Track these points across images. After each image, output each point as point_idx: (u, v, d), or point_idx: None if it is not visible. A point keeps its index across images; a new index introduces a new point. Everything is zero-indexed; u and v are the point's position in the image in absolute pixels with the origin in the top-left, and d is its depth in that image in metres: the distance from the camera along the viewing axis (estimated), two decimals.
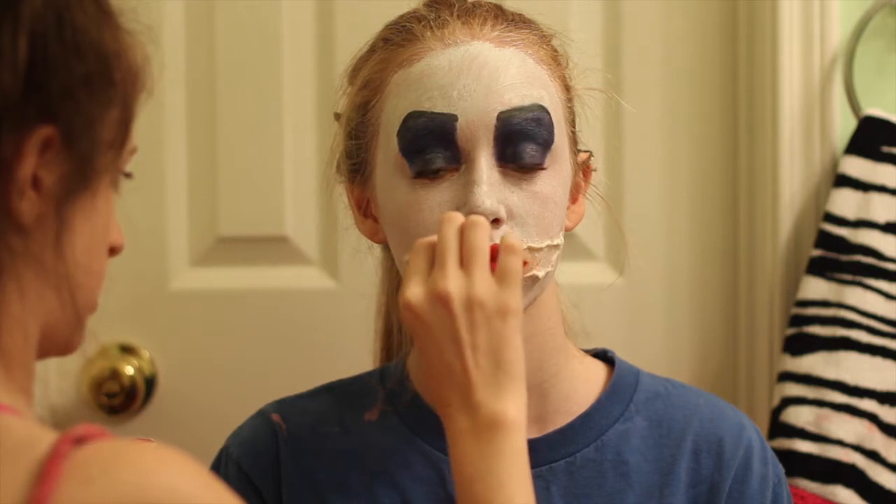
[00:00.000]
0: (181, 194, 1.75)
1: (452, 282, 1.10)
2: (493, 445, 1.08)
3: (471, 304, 1.10)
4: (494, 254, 1.14)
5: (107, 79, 0.88)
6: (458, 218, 1.13)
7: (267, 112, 1.74)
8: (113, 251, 0.94)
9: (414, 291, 1.11)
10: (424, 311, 1.10)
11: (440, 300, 1.10)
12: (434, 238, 1.14)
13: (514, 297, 1.11)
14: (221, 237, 1.76)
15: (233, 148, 1.74)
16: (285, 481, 1.29)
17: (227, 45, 1.74)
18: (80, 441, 0.80)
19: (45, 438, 0.80)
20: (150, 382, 1.76)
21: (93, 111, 0.87)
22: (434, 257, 1.12)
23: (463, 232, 1.12)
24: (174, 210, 1.74)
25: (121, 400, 1.75)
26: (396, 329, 1.38)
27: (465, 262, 1.11)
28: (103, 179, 0.89)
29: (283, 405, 1.33)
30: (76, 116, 0.86)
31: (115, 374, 1.75)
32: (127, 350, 1.76)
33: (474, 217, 1.13)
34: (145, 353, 1.77)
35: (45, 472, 0.78)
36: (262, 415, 1.33)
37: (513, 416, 1.09)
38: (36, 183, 0.84)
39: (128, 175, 0.93)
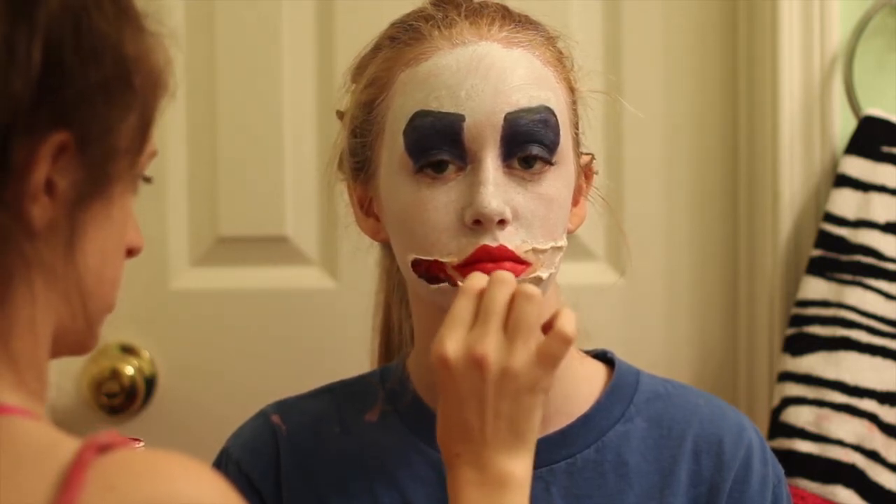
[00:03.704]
0: (181, 194, 1.75)
1: (493, 347, 1.09)
2: (498, 499, 1.09)
3: (506, 374, 1.09)
4: (505, 256, 1.16)
5: (125, 84, 0.86)
6: (511, 282, 1.13)
7: (267, 112, 1.74)
8: (131, 253, 0.93)
9: (453, 347, 1.10)
10: (458, 369, 1.10)
11: (476, 363, 1.09)
12: (482, 284, 1.13)
13: (549, 378, 1.11)
14: (221, 237, 1.76)
15: (233, 148, 1.74)
16: (285, 482, 1.29)
17: (227, 45, 1.74)
18: (103, 449, 0.79)
19: (67, 445, 0.80)
20: (150, 382, 1.76)
21: (110, 117, 0.86)
22: (478, 309, 1.11)
23: (514, 300, 1.11)
24: (174, 210, 1.75)
25: (121, 400, 1.75)
26: (396, 328, 1.38)
27: (509, 330, 1.10)
28: (119, 185, 0.88)
29: (283, 406, 1.33)
30: (92, 122, 0.85)
31: (115, 374, 1.75)
32: (127, 350, 1.76)
33: (529, 287, 1.12)
34: (145, 353, 1.77)
35: (69, 480, 0.77)
36: (262, 416, 1.33)
37: (520, 476, 1.10)
38: (50, 187, 0.84)
39: (147, 179, 0.93)
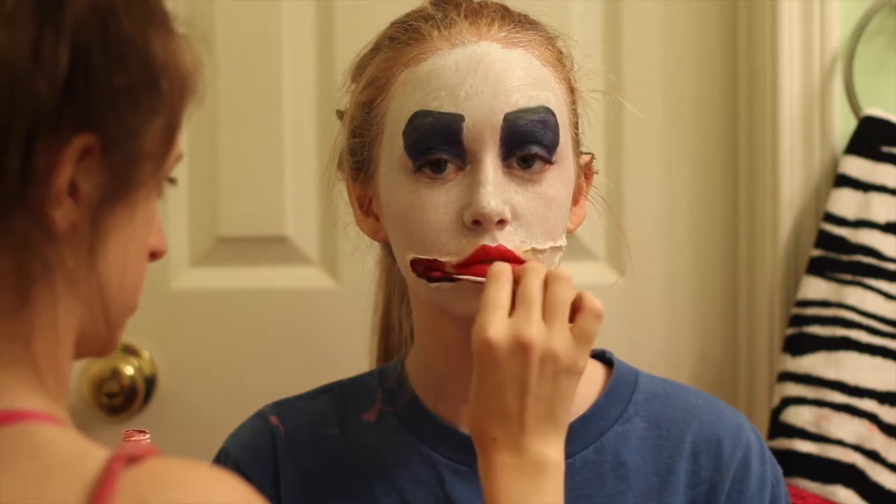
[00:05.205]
0: (181, 194, 1.74)
1: (538, 332, 1.10)
2: (536, 484, 1.09)
3: (547, 357, 1.10)
4: (504, 257, 1.16)
5: (152, 87, 0.86)
6: (542, 269, 1.14)
7: (267, 112, 1.74)
8: (154, 256, 0.92)
9: (498, 331, 1.10)
10: (501, 353, 1.10)
11: (521, 348, 1.10)
12: (508, 267, 1.14)
13: (585, 358, 1.13)
14: (221, 237, 1.76)
15: (233, 148, 1.74)
16: (283, 483, 1.29)
17: (227, 45, 1.73)
18: (132, 460, 0.79)
19: (95, 455, 0.80)
20: (150, 382, 1.76)
21: (136, 120, 0.85)
22: (514, 294, 1.12)
23: (547, 284, 1.13)
24: (174, 210, 1.74)
25: (121, 400, 1.75)
26: (396, 327, 1.38)
27: (547, 315, 1.12)
28: (143, 189, 0.87)
29: (281, 406, 1.33)
30: (117, 126, 0.84)
31: (115, 374, 1.75)
32: (127, 350, 1.76)
33: (558, 271, 1.13)
34: (145, 353, 1.77)
35: (99, 493, 0.77)
36: (260, 416, 1.33)
37: (556, 460, 1.11)
38: (73, 190, 0.83)
39: (172, 181, 0.92)
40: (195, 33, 0.90)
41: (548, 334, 1.11)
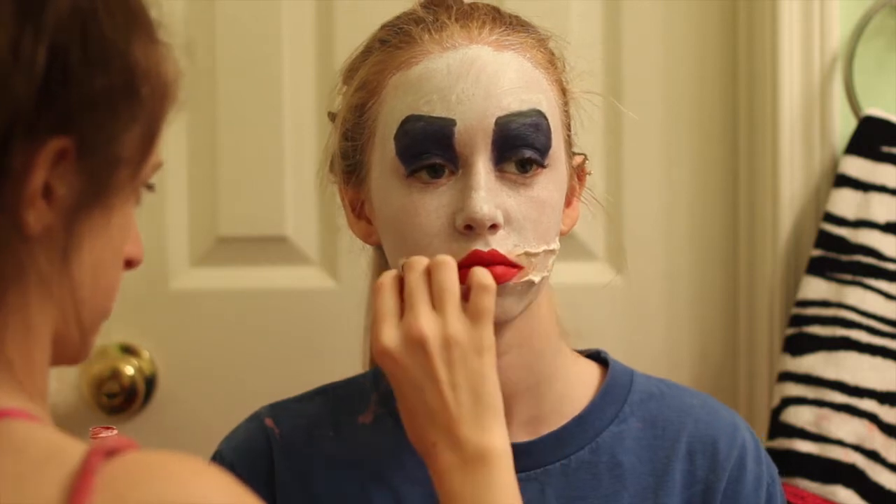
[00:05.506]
0: (181, 194, 1.75)
1: (427, 323, 1.10)
2: (483, 478, 1.08)
3: (447, 343, 1.10)
4: (497, 261, 1.15)
5: (131, 93, 0.85)
6: (422, 261, 1.14)
7: (267, 112, 1.74)
8: (129, 264, 0.92)
9: (389, 336, 1.11)
10: (401, 355, 1.10)
11: (416, 342, 1.10)
12: (394, 272, 1.14)
13: (488, 334, 1.12)
14: (221, 237, 1.76)
15: (233, 148, 1.74)
16: (279, 485, 1.28)
17: (227, 45, 1.74)
18: (110, 454, 0.79)
19: (73, 450, 0.80)
20: (150, 382, 1.76)
21: (113, 126, 0.85)
22: (401, 296, 1.13)
23: (430, 273, 1.12)
24: (174, 210, 1.75)
25: (121, 400, 1.75)
26: None
27: (436, 303, 1.12)
28: (120, 195, 0.87)
29: (276, 409, 1.33)
30: (94, 130, 0.84)
31: (115, 374, 1.75)
32: (127, 350, 1.76)
33: (440, 257, 1.13)
34: (145, 353, 1.77)
35: (78, 488, 0.77)
36: (255, 418, 1.33)
37: (500, 448, 1.10)
38: (48, 193, 0.83)
39: (150, 187, 0.92)
40: (179, 42, 0.89)
41: (438, 321, 1.11)
